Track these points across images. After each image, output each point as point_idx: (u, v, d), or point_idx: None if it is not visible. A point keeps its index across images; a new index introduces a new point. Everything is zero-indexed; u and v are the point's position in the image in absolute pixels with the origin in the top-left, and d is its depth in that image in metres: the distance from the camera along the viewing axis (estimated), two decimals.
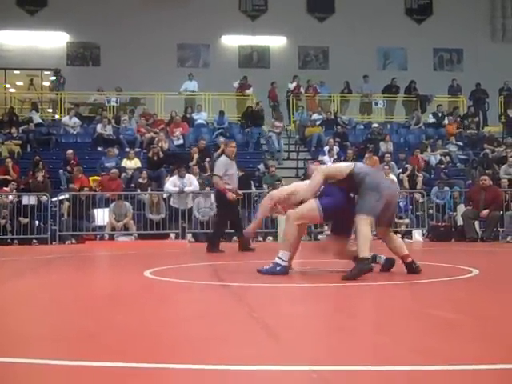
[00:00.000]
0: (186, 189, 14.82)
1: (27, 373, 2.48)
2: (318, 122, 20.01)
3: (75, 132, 19.37)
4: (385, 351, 2.77)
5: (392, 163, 16.68)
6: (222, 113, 20.18)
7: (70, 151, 16.45)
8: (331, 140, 17.99)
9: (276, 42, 23.90)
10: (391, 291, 5.15)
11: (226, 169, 10.24)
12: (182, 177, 14.89)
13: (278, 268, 5.96)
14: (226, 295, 4.76)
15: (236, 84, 21.18)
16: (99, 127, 18.73)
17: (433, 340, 2.96)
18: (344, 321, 3.64)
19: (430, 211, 15.19)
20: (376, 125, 20.18)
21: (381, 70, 23.66)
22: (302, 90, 21.25)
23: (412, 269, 5.92)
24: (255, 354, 2.72)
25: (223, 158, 10.65)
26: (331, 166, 7.71)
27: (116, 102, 20.77)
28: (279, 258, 6.00)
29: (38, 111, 20.15)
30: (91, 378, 2.35)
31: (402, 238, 14.28)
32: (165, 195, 15.20)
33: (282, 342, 2.96)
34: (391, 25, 23.31)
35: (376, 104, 21.68)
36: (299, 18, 23.28)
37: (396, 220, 14.74)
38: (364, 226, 5.71)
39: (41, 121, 19.72)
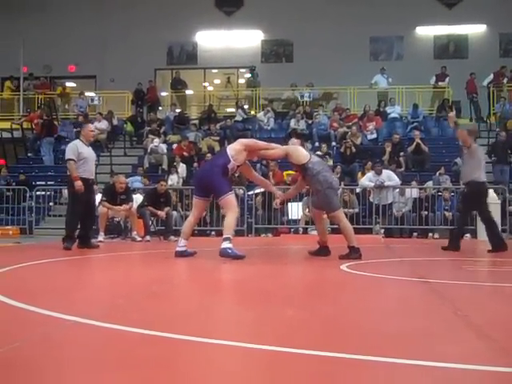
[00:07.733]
0: (387, 183, 14.58)
1: (229, 354, 2.56)
2: None
3: (269, 127, 19.89)
4: None
5: None
6: (415, 106, 19.70)
7: None
8: None
9: (475, 30, 22.80)
10: None
11: None
12: (378, 173, 14.69)
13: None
14: (427, 291, 4.61)
15: (432, 80, 20.58)
16: (293, 122, 19.10)
17: None
18: None
19: None
20: None
21: None
22: (505, 79, 20.09)
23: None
24: (464, 352, 2.60)
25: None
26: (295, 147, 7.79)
27: (309, 97, 21.04)
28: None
29: (242, 109, 20.88)
30: (302, 365, 2.37)
31: None
32: (358, 190, 15.12)
33: (494, 342, 2.79)
34: None
35: None
36: (501, 2, 21.95)
37: None
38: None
39: (243, 117, 20.44)
